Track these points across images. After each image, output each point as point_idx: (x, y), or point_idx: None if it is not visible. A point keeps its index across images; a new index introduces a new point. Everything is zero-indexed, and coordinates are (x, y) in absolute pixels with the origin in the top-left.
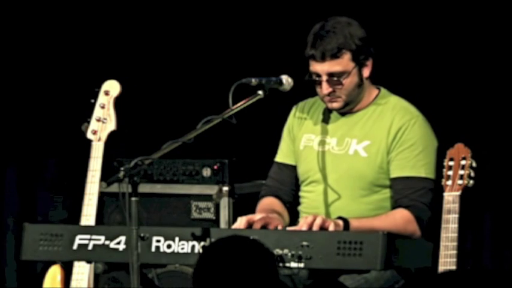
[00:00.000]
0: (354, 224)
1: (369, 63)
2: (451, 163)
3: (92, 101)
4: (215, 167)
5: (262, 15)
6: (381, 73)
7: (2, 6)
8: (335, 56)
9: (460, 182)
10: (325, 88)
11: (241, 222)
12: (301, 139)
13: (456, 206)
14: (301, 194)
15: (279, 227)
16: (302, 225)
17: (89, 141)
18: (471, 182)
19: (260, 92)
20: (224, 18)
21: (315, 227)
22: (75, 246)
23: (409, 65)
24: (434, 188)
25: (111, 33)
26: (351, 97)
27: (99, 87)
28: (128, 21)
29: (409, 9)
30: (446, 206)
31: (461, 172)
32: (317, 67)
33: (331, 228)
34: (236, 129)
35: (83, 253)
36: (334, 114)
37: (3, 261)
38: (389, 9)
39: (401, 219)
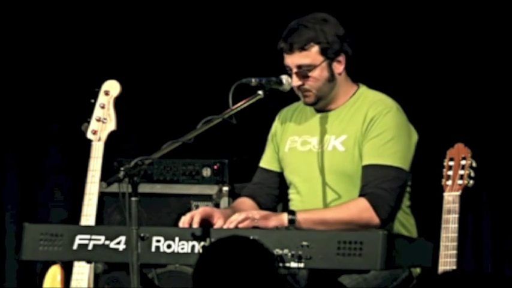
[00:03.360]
0: (302, 215)
1: (341, 59)
2: (451, 163)
3: (92, 101)
4: (215, 167)
5: (262, 16)
6: (380, 73)
7: (2, 6)
8: (302, 48)
9: (460, 182)
10: (295, 80)
11: (184, 220)
12: (286, 142)
13: (456, 206)
14: (289, 197)
15: (220, 221)
16: (232, 221)
17: (89, 141)
18: (471, 182)
19: (260, 92)
20: (224, 18)
21: (237, 224)
22: (75, 246)
23: (409, 65)
24: (404, 177)
25: (111, 33)
26: (321, 92)
27: (99, 87)
28: (128, 21)
29: (410, 9)
30: (446, 206)
31: (461, 172)
32: (287, 59)
33: (257, 216)
34: (236, 129)
35: (83, 253)
36: (314, 114)
37: (3, 261)
38: (389, 9)
39: (355, 207)
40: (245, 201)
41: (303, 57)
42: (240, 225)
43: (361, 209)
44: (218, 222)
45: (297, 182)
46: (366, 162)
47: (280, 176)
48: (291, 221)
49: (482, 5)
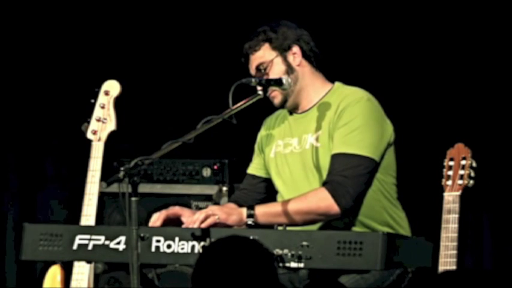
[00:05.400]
0: (260, 209)
1: (296, 49)
2: (451, 163)
3: (92, 101)
4: (215, 167)
5: (262, 16)
6: (380, 74)
7: (2, 6)
8: (254, 50)
9: (460, 182)
10: (258, 88)
11: (155, 219)
12: (271, 148)
13: (456, 206)
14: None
15: (191, 220)
16: (194, 221)
17: (89, 141)
18: (471, 182)
19: (260, 92)
20: (224, 18)
21: (200, 224)
22: (75, 246)
23: (409, 66)
24: (369, 165)
25: (111, 33)
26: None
27: (99, 87)
28: (128, 21)
29: (410, 10)
30: (446, 206)
31: (461, 172)
32: (249, 69)
33: (220, 216)
34: (236, 129)
35: (83, 253)
36: (293, 116)
37: (3, 261)
38: (389, 10)
39: (313, 197)
40: (228, 206)
41: (256, 58)
42: (203, 225)
43: (319, 198)
44: (188, 221)
45: (281, 185)
46: (333, 151)
47: (268, 181)
48: (250, 216)
49: (482, 4)
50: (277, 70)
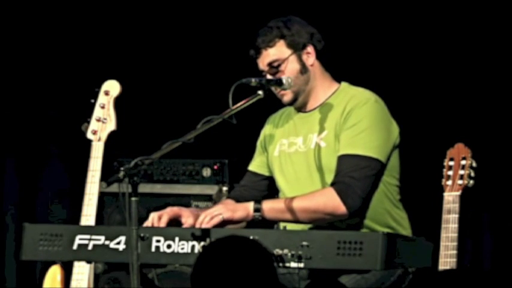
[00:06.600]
0: (267, 204)
1: (310, 50)
2: (451, 163)
3: (92, 101)
4: (215, 167)
5: (262, 16)
6: (381, 74)
7: (3, 6)
8: (268, 45)
9: (460, 182)
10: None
11: (151, 220)
12: (275, 147)
13: (456, 206)
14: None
15: (190, 220)
16: (201, 223)
17: (89, 141)
18: (471, 182)
19: (260, 92)
20: (224, 18)
21: (205, 224)
22: (75, 246)
23: (409, 66)
24: (377, 167)
25: (111, 33)
26: (297, 86)
27: (99, 87)
28: (127, 22)
29: (410, 10)
30: (446, 206)
31: (461, 172)
32: (259, 64)
33: (225, 214)
34: (236, 129)
35: (83, 253)
36: (299, 115)
37: (3, 261)
38: (389, 10)
39: (321, 196)
40: (228, 203)
41: (270, 54)
42: (208, 225)
43: (327, 198)
44: (188, 221)
45: (284, 184)
46: (339, 152)
47: (269, 179)
48: (256, 210)
49: (482, 4)
50: (292, 69)
